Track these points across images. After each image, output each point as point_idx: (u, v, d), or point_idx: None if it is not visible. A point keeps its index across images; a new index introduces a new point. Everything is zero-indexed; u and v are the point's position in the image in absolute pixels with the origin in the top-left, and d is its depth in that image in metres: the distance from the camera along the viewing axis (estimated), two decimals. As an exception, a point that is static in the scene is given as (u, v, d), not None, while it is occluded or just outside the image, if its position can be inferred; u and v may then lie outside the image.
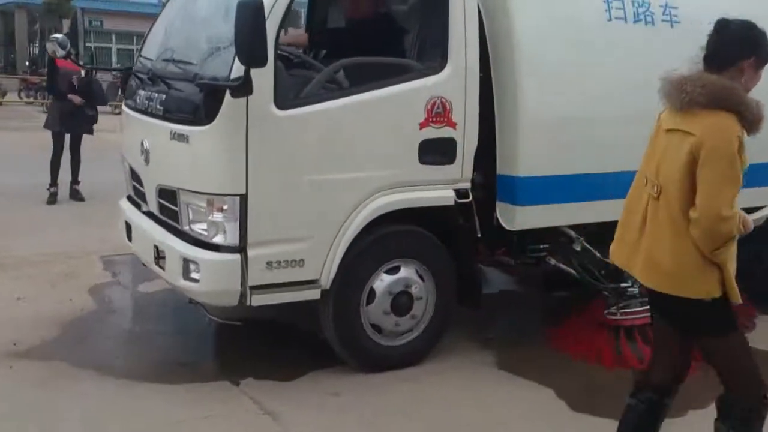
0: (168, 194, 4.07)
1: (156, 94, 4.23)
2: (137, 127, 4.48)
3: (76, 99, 8.39)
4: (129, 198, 4.83)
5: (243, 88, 3.52)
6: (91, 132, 8.79)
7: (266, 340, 4.70)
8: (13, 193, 8.67)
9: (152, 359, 4.39)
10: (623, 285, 4.78)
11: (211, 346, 4.72)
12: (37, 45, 34.45)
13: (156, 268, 4.17)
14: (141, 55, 4.79)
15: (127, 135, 4.75)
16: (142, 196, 4.50)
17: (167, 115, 4.06)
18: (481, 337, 4.90)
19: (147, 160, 4.30)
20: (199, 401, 3.85)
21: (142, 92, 4.44)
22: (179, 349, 4.57)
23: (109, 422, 3.63)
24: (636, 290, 4.80)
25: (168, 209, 4.11)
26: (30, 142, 11.71)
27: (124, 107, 4.84)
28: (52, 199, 8.52)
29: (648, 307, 4.62)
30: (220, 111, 3.66)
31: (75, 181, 8.80)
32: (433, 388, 4.11)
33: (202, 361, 4.44)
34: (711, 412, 3.79)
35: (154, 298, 5.30)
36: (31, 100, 23.70)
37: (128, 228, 4.64)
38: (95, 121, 8.76)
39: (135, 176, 4.58)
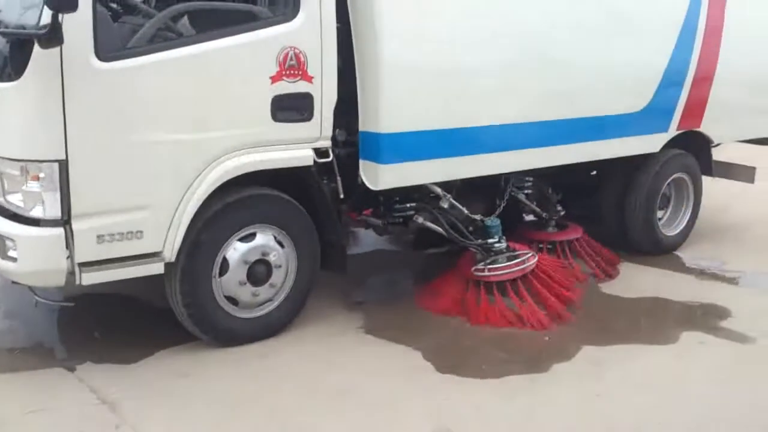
0: (-20, 162, 3.53)
1: None
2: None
3: None
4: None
5: (51, 36, 3.03)
6: None
7: (109, 318, 4.29)
8: None
9: None
10: (490, 241, 4.69)
11: (45, 329, 4.23)
12: None
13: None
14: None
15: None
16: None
17: (-28, 71, 3.50)
18: (349, 301, 4.69)
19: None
20: (26, 393, 3.44)
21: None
22: (8, 333, 4.10)
23: None
24: (503, 245, 4.73)
25: (-18, 179, 3.57)
26: None
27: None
28: None
29: (514, 262, 4.65)
30: (29, 64, 3.16)
31: None
32: (292, 359, 3.86)
33: (34, 345, 3.98)
34: (575, 364, 3.87)
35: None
36: None
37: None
38: None
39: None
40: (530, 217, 5.76)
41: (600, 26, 4.89)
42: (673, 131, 5.55)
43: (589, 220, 5.65)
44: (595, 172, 5.70)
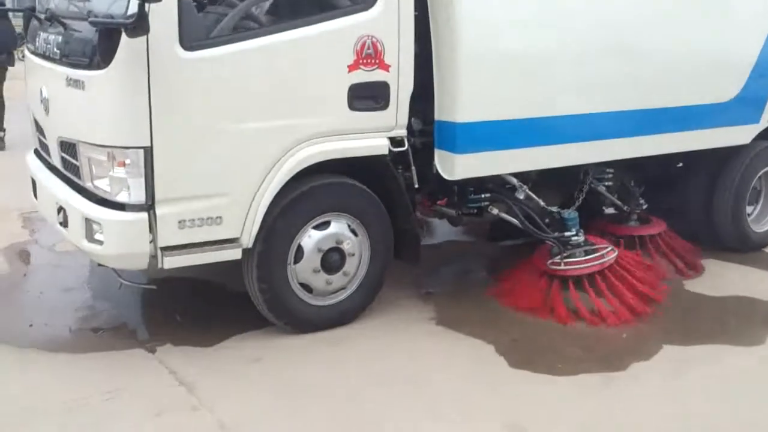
0: (69, 147, 3.69)
1: (53, 36, 3.79)
2: (37, 73, 4.05)
3: None
4: (36, 152, 4.41)
5: (138, 25, 3.11)
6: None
7: (188, 302, 4.41)
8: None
9: (64, 326, 4.07)
10: (567, 234, 4.57)
11: (130, 310, 4.38)
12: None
13: (60, 229, 3.81)
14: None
15: (29, 82, 4.30)
16: (46, 149, 4.10)
17: (63, 59, 3.65)
18: (421, 291, 4.67)
19: (47, 110, 3.89)
20: (109, 373, 3.55)
21: (41, 34, 3.99)
22: (96, 315, 4.25)
23: (1, 401, 3.30)
24: (581, 238, 4.60)
25: (71, 164, 3.73)
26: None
27: (26, 51, 4.39)
28: None
29: (593, 256, 4.53)
30: (117, 53, 3.26)
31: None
32: (362, 348, 3.88)
33: (118, 327, 4.12)
34: (655, 363, 3.76)
35: (74, 258, 4.91)
36: None
37: (34, 184, 4.25)
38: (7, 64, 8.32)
39: (39, 128, 4.17)
40: (610, 210, 5.59)
41: (688, 12, 4.69)
42: (765, 122, 5.27)
43: (673, 214, 5.45)
44: (681, 165, 5.48)
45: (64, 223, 3.72)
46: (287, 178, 3.72)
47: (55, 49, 3.75)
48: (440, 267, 5.22)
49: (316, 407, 3.30)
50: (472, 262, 5.42)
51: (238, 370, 3.61)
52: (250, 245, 3.71)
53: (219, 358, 3.74)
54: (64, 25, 3.71)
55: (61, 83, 3.59)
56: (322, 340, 3.94)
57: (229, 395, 3.38)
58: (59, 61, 3.69)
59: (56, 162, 3.93)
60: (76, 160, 3.62)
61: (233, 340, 3.92)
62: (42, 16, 4.01)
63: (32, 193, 4.33)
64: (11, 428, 3.10)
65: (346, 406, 3.33)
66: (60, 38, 3.72)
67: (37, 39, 4.07)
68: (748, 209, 5.51)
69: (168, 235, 3.48)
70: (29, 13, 4.26)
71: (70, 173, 3.79)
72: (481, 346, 3.94)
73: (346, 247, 3.98)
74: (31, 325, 4.04)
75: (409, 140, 4.10)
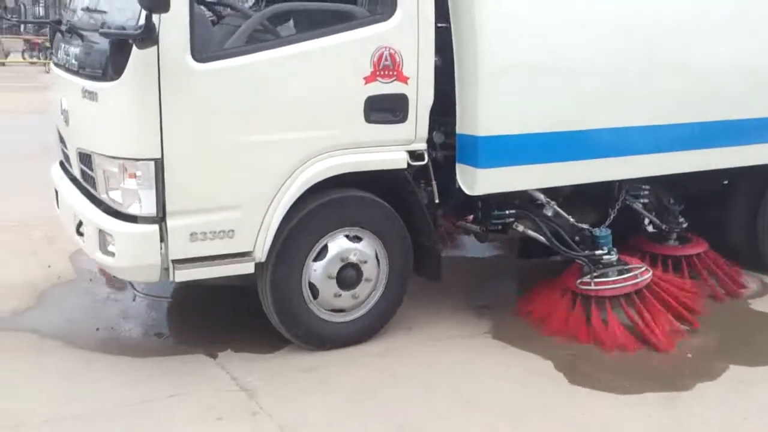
0: (86, 159, 3.70)
1: (72, 48, 3.83)
2: (59, 84, 4.09)
3: None
4: (61, 163, 4.46)
5: (146, 37, 3.10)
6: None
7: (247, 309, 4.36)
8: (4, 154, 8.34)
9: (128, 330, 4.18)
10: (598, 252, 4.38)
11: (192, 316, 4.41)
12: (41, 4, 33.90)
13: (78, 240, 3.82)
14: (68, 6, 4.37)
15: (52, 94, 4.36)
16: (68, 160, 4.14)
17: (80, 71, 3.68)
18: (475, 305, 4.58)
19: (66, 121, 3.92)
20: (171, 377, 3.61)
21: (63, 46, 4.04)
22: (159, 319, 4.35)
23: (67, 402, 3.35)
24: (614, 257, 4.40)
25: (88, 175, 3.74)
26: (29, 102, 11.44)
27: (51, 64, 4.45)
28: None
29: (625, 276, 4.32)
30: (128, 65, 3.25)
31: None
32: (414, 360, 3.85)
33: (181, 331, 4.19)
34: (722, 382, 3.67)
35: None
36: (35, 60, 23.29)
37: (57, 195, 4.29)
38: None
39: (61, 139, 4.21)
40: (651, 228, 5.36)
41: (731, 20, 4.49)
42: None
43: (713, 232, 5.19)
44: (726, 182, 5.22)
45: (81, 234, 3.73)
46: (301, 192, 3.65)
47: (73, 61, 3.78)
48: (494, 281, 5.14)
49: (371, 416, 3.31)
50: (527, 276, 5.19)
51: (296, 378, 3.64)
52: (263, 259, 3.64)
53: (277, 365, 3.76)
54: (81, 37, 3.74)
55: (78, 95, 3.61)
56: (375, 350, 3.93)
57: (288, 402, 3.42)
58: (77, 73, 3.72)
59: (76, 173, 3.96)
60: (92, 171, 3.62)
61: (289, 347, 3.93)
62: (63, 29, 4.06)
63: (55, 203, 4.36)
64: (76, 428, 3.17)
65: (400, 416, 3.33)
66: (78, 50, 3.75)
67: (59, 51, 4.12)
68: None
69: (179, 248, 3.44)
70: (54, 27, 4.32)
71: (88, 184, 3.80)
72: (539, 361, 3.88)
73: (361, 262, 3.88)
74: (97, 329, 4.14)
75: (430, 154, 4.00)
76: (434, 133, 4.03)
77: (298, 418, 3.28)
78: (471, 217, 4.54)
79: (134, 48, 3.20)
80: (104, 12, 3.67)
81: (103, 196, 3.57)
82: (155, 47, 3.19)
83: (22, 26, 24.94)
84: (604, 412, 3.38)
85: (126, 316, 4.37)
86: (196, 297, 4.54)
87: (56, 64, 4.19)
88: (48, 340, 3.98)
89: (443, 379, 3.64)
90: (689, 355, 3.97)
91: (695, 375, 3.74)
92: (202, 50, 3.36)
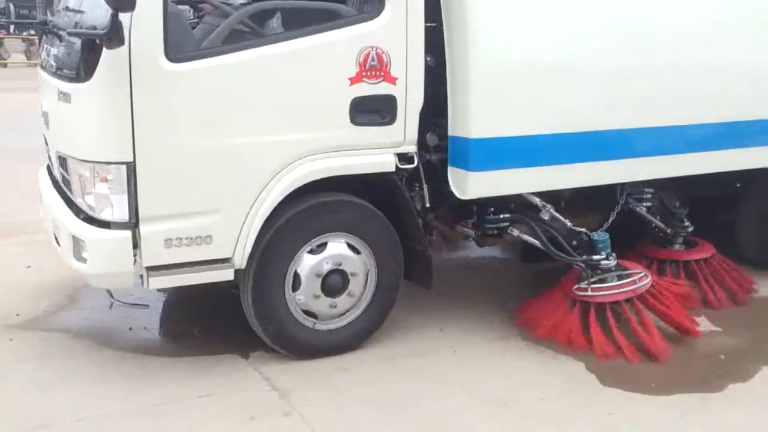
0: (63, 162, 3.61)
1: (52, 49, 3.75)
2: (41, 86, 4.01)
3: None
4: (48, 167, 4.38)
5: (112, 36, 2.99)
6: None
7: None
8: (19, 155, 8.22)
9: (161, 329, 4.20)
10: (596, 258, 4.20)
11: (226, 315, 4.32)
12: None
13: (55, 246, 3.73)
14: (56, 7, 4.30)
15: (39, 96, 4.28)
16: (53, 163, 4.06)
17: (57, 72, 3.59)
18: (507, 307, 4.50)
19: (47, 124, 3.84)
20: (202, 377, 3.59)
21: (45, 47, 3.97)
22: (191, 320, 4.28)
23: (100, 401, 3.35)
24: (612, 263, 4.22)
25: (66, 179, 3.65)
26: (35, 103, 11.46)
27: (38, 66, 4.37)
28: None
29: (625, 281, 4.15)
30: (98, 65, 3.15)
31: None
32: (448, 362, 3.84)
33: (214, 331, 4.13)
34: (753, 385, 3.62)
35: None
36: (36, 61, 23.02)
37: (41, 199, 4.21)
38: None
39: (45, 142, 4.14)
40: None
41: (734, 20, 4.32)
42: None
43: (720, 236, 4.99)
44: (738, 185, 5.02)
45: (57, 241, 3.64)
46: (283, 196, 3.53)
47: (52, 62, 3.70)
48: (526, 283, 5.00)
49: (404, 418, 3.30)
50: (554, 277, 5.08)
51: (328, 379, 3.63)
52: (243, 266, 3.53)
53: (310, 366, 3.72)
54: (60, 37, 3.65)
55: (55, 96, 3.52)
56: (408, 352, 3.92)
57: (320, 402, 3.41)
58: (54, 74, 3.64)
59: (58, 176, 3.88)
60: (69, 175, 3.54)
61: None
62: (47, 29, 3.98)
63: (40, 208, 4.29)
64: (108, 427, 3.18)
65: (434, 417, 3.32)
66: (56, 51, 3.67)
67: (43, 52, 4.04)
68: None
69: (154, 255, 3.34)
70: (40, 27, 4.24)
71: (67, 189, 3.72)
72: (572, 363, 3.86)
73: (348, 268, 3.75)
74: (130, 329, 4.13)
75: (422, 157, 3.86)
76: (428, 135, 3.89)
77: (330, 420, 3.28)
78: (470, 221, 4.40)
79: (104, 48, 3.10)
80: (82, 12, 3.58)
81: (78, 201, 3.47)
82: (126, 47, 3.09)
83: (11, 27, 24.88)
84: (637, 413, 3.37)
85: (159, 316, 4.37)
86: (228, 297, 4.40)
87: (40, 66, 4.12)
88: (80, 339, 3.98)
89: (477, 380, 3.62)
90: (722, 357, 3.95)
91: (727, 376, 3.73)
92: (178, 50, 3.24)
